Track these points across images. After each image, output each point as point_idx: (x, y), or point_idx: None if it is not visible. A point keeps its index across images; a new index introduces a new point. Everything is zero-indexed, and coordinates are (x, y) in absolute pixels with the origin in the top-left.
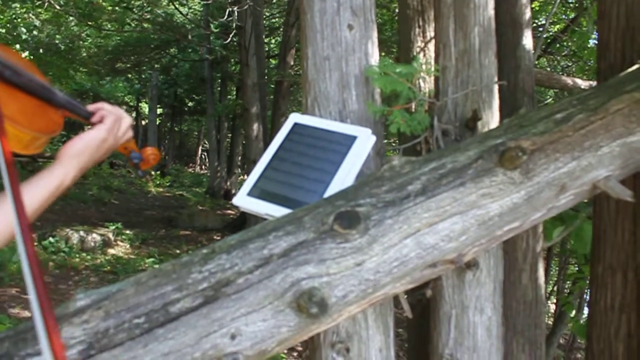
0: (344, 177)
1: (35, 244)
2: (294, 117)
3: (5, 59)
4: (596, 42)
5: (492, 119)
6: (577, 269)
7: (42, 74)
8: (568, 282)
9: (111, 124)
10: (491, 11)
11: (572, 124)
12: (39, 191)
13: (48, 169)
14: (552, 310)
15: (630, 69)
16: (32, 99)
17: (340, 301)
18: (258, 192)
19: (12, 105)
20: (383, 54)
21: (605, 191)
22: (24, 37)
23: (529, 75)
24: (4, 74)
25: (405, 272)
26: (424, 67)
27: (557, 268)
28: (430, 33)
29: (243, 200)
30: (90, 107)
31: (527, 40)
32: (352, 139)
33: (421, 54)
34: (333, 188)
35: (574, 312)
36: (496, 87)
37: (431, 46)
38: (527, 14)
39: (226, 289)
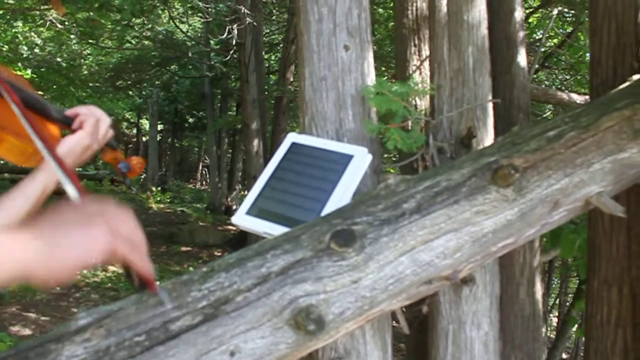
0: (341, 195)
1: None
2: (292, 137)
3: (6, 77)
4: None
5: (486, 136)
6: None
7: (34, 90)
8: (570, 295)
9: (91, 129)
10: (484, 31)
11: (564, 141)
12: (22, 199)
13: (31, 176)
14: (555, 324)
15: (621, 86)
16: (32, 113)
17: (337, 318)
18: (257, 210)
19: (15, 119)
20: (383, 68)
21: (598, 207)
22: (25, 54)
23: (524, 91)
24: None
25: (401, 289)
26: (419, 85)
27: (559, 281)
28: (426, 51)
29: (242, 219)
30: (68, 112)
31: (522, 58)
32: (348, 157)
33: (417, 72)
34: (330, 206)
35: (575, 326)
36: (490, 105)
37: (427, 64)
38: (522, 32)
39: (225, 307)
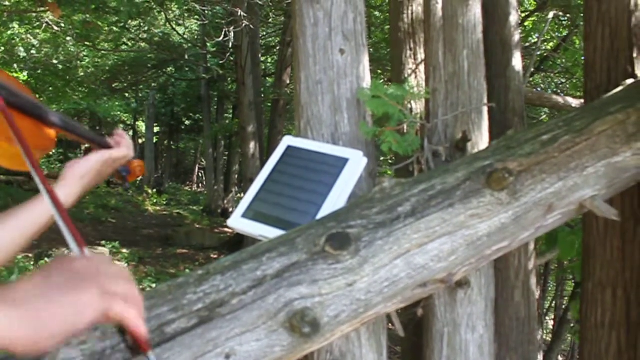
0: (336, 198)
1: (32, 263)
2: (288, 140)
3: (1, 80)
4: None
5: (481, 139)
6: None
7: (33, 94)
8: (566, 297)
9: (116, 152)
10: (479, 34)
11: (558, 145)
12: (45, 208)
13: (55, 188)
14: (551, 327)
15: (614, 91)
16: (26, 118)
17: (332, 321)
18: (252, 213)
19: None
20: (379, 71)
21: (592, 210)
22: (22, 55)
23: (519, 95)
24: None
25: (396, 292)
26: (415, 89)
27: (555, 284)
28: (422, 55)
29: (238, 221)
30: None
31: (517, 61)
32: (344, 161)
33: (412, 76)
34: (325, 210)
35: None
36: (485, 109)
37: (422, 68)
38: (517, 36)
39: (221, 310)
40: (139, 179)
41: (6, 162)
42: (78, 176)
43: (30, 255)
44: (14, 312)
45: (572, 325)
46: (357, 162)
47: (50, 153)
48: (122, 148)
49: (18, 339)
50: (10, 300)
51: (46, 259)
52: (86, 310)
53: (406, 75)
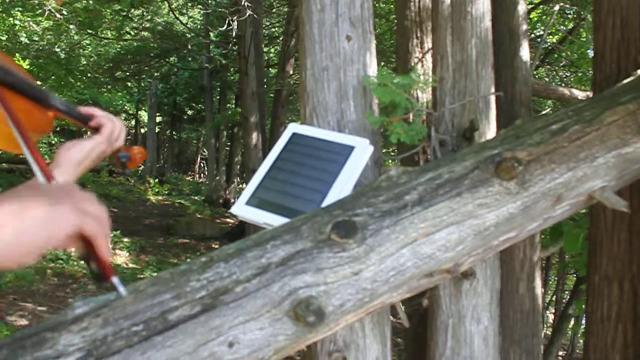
0: (342, 186)
1: None
2: (293, 127)
3: None
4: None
5: (488, 129)
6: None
7: (30, 76)
8: (567, 292)
9: (109, 133)
10: (488, 23)
11: (568, 135)
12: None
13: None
14: (551, 320)
15: (625, 81)
16: (23, 98)
17: (337, 310)
18: (256, 201)
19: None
20: (382, 63)
21: (601, 202)
22: (24, 40)
23: (526, 86)
24: None
25: (402, 282)
26: (421, 77)
27: (555, 278)
28: (428, 44)
29: (241, 209)
30: (83, 110)
31: (524, 51)
32: (350, 149)
33: (419, 65)
34: (331, 197)
35: (572, 322)
36: (493, 98)
37: (429, 57)
38: (524, 26)
39: (224, 298)
40: (140, 167)
41: (2, 144)
42: (74, 162)
43: None
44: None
45: (572, 320)
46: (363, 150)
47: (53, 142)
48: (108, 125)
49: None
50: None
51: None
52: (62, 221)
53: (412, 65)
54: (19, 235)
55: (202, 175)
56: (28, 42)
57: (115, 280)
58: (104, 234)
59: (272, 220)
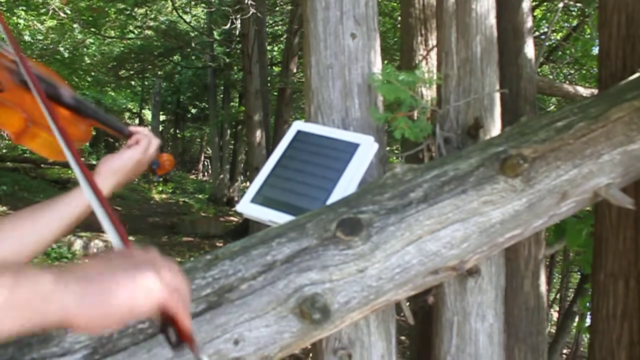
0: (347, 184)
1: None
2: (297, 125)
3: (39, 72)
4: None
5: (493, 126)
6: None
7: (66, 83)
8: (571, 290)
9: (146, 146)
10: (493, 20)
11: (573, 132)
12: (56, 222)
13: (68, 197)
14: (555, 318)
15: (630, 77)
16: (63, 107)
17: (342, 307)
18: (261, 199)
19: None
20: (387, 61)
21: (606, 199)
22: (27, 39)
23: (531, 83)
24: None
25: (407, 279)
26: (426, 75)
27: (560, 276)
28: (433, 41)
29: (246, 207)
30: (131, 129)
31: (529, 49)
32: (354, 146)
33: (424, 62)
34: (336, 195)
35: (577, 320)
36: (498, 95)
37: (433, 54)
38: (529, 22)
39: (229, 295)
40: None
41: (46, 152)
42: (113, 171)
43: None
44: (80, 286)
45: (576, 318)
46: (368, 148)
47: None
48: (145, 139)
49: (79, 315)
50: (76, 276)
51: (53, 245)
52: (147, 295)
53: (416, 62)
54: (98, 306)
55: (206, 173)
56: (32, 41)
57: (198, 353)
58: (186, 307)
59: (277, 218)
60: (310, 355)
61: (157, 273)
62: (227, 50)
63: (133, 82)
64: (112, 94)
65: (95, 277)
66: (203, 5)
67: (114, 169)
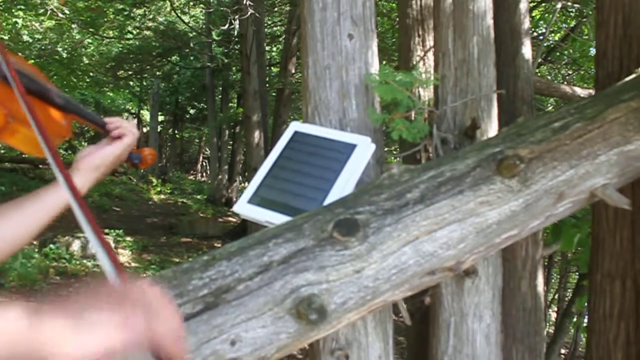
0: (344, 185)
1: (36, 251)
2: (295, 126)
3: (21, 68)
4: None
5: (490, 127)
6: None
7: (49, 80)
8: (569, 290)
9: (129, 142)
10: (490, 21)
11: (570, 132)
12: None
13: (46, 191)
14: (554, 319)
15: (627, 78)
16: (45, 104)
17: (339, 308)
18: (258, 199)
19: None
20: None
21: (603, 199)
22: (26, 39)
23: (528, 83)
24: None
25: (404, 280)
26: (423, 76)
27: (558, 276)
28: (430, 42)
29: (244, 207)
30: (112, 120)
31: (526, 49)
32: (352, 147)
33: (421, 63)
34: (333, 196)
35: (575, 319)
36: (495, 96)
37: (431, 55)
38: (526, 23)
39: (226, 296)
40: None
41: (27, 148)
42: (93, 167)
43: (35, 242)
44: (62, 322)
45: (574, 318)
46: (365, 149)
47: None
48: (129, 135)
49: (56, 351)
50: (57, 311)
51: (51, 245)
52: (129, 332)
53: (414, 63)
54: (75, 342)
55: (204, 174)
56: (30, 41)
57: None
58: (177, 341)
59: (274, 218)
60: (307, 356)
61: (144, 310)
62: (226, 50)
63: (131, 83)
64: (111, 94)
65: (77, 312)
66: (201, 5)
67: (95, 165)
